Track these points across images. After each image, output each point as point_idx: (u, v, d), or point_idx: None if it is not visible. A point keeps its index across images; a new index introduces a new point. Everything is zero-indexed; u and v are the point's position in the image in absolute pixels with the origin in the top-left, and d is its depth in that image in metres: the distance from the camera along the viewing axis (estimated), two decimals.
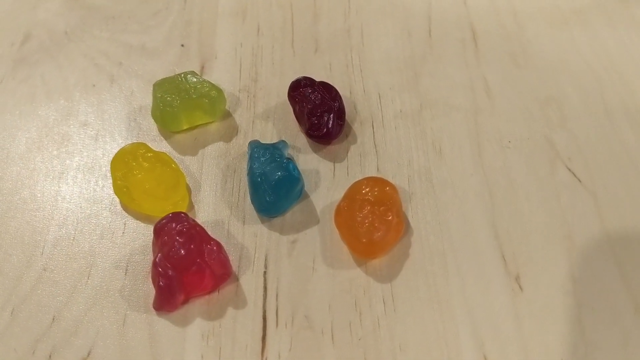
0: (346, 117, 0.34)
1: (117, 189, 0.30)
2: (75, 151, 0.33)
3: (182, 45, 0.38)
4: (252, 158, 0.31)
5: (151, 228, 0.28)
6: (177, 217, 0.28)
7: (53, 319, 0.27)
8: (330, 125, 0.32)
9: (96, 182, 0.32)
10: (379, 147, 0.33)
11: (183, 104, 0.32)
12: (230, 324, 0.27)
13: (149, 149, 0.31)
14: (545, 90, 0.35)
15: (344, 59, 0.37)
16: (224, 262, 0.27)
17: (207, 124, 0.34)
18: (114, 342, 0.26)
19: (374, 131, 0.34)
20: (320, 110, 0.32)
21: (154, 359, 0.26)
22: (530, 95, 0.35)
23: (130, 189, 0.30)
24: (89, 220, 0.30)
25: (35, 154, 0.33)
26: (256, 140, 0.32)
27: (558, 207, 0.30)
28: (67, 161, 0.33)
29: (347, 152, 0.33)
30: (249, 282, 0.28)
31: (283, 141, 0.32)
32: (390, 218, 0.28)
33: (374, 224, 0.28)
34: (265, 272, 0.28)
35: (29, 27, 0.39)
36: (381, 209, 0.28)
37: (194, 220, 0.28)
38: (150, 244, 0.29)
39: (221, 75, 0.37)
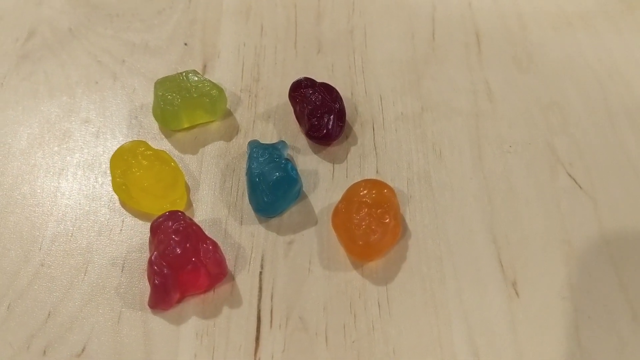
0: (347, 118, 0.33)
1: (116, 186, 0.30)
2: (76, 148, 0.33)
3: (185, 44, 0.38)
4: (250, 158, 0.31)
5: (149, 226, 0.28)
6: (173, 215, 0.28)
7: (49, 314, 0.27)
8: (330, 127, 0.32)
9: (96, 179, 0.32)
10: (379, 149, 0.33)
11: (184, 102, 0.32)
12: (225, 323, 0.27)
13: (149, 147, 0.31)
14: (548, 95, 0.35)
15: (346, 60, 0.37)
16: (220, 261, 0.27)
17: (207, 123, 0.34)
18: (108, 339, 0.26)
19: (375, 133, 0.34)
20: (320, 111, 0.32)
21: (147, 356, 0.26)
22: (533, 100, 0.35)
23: (128, 186, 0.30)
24: (88, 217, 0.30)
25: (37, 150, 0.33)
26: (255, 140, 0.32)
27: (557, 213, 0.30)
28: (68, 157, 0.33)
29: (347, 154, 0.33)
30: (244, 282, 0.28)
31: (282, 141, 0.32)
32: (387, 221, 0.28)
33: (371, 227, 0.28)
34: (261, 273, 0.28)
35: (34, 24, 0.39)
36: (378, 211, 0.28)
37: (190, 219, 0.28)
38: (148, 242, 0.29)
39: (223, 74, 0.37)
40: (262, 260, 0.29)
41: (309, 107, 0.32)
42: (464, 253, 0.29)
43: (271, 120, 0.34)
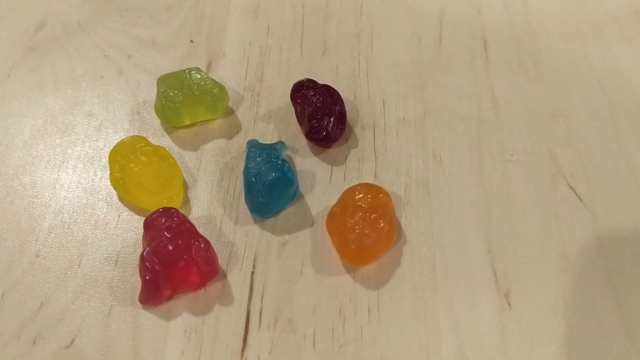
0: (348, 121, 0.33)
1: (114, 181, 0.30)
2: (77, 141, 0.34)
3: (192, 41, 0.38)
4: (248, 157, 0.31)
5: None
6: (167, 212, 0.28)
7: (41, 305, 0.27)
8: (330, 129, 0.32)
9: (95, 172, 0.32)
10: (378, 153, 0.33)
11: (185, 99, 0.33)
12: (213, 322, 0.27)
13: (148, 143, 0.31)
14: (554, 105, 0.35)
15: (351, 63, 0.37)
16: (211, 259, 0.27)
17: (209, 120, 0.34)
18: (97, 332, 0.27)
19: (375, 137, 0.33)
20: (321, 113, 0.32)
21: (135, 351, 0.26)
22: (538, 109, 0.34)
23: (126, 181, 0.30)
24: (85, 210, 0.31)
25: (39, 142, 0.34)
26: (254, 139, 0.32)
27: (556, 225, 0.30)
28: (69, 150, 0.33)
29: (346, 157, 0.33)
30: (236, 281, 0.28)
31: (281, 142, 0.32)
32: (381, 225, 0.28)
33: (364, 231, 0.27)
34: (253, 272, 0.28)
35: (44, 16, 0.40)
36: (372, 216, 0.28)
37: (184, 217, 0.28)
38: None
39: (227, 72, 0.37)
40: (254, 260, 0.29)
41: (310, 109, 0.32)
42: (458, 261, 0.29)
43: (272, 120, 0.34)
